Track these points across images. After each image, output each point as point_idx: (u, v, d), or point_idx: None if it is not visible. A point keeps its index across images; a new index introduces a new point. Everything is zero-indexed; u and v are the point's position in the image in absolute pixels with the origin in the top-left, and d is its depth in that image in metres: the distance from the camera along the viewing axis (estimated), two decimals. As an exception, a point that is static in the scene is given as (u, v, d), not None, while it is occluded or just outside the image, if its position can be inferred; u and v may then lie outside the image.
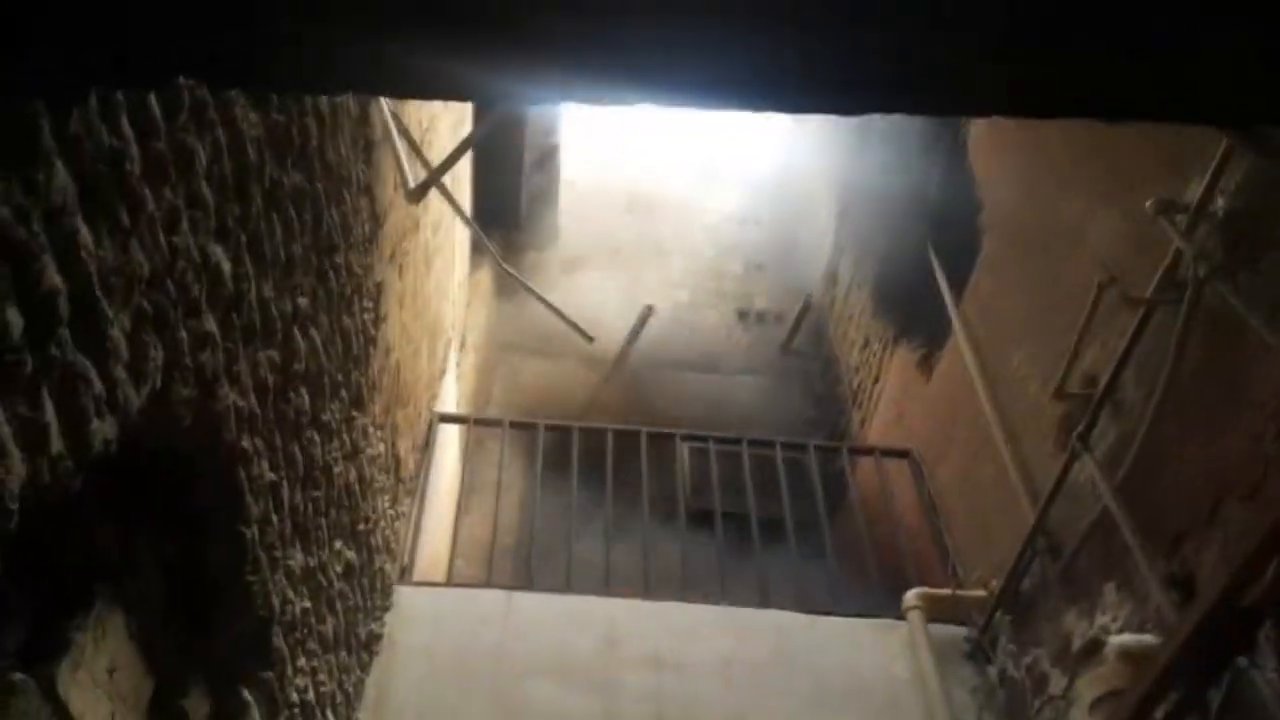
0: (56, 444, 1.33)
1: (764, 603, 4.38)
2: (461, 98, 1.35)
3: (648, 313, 7.68)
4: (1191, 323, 2.92)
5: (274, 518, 2.32)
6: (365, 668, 3.61)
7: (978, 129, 4.78)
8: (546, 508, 4.86)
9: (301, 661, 2.64)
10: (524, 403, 7.21)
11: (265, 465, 2.22)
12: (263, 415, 2.19)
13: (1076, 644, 3.36)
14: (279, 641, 2.39)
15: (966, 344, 4.65)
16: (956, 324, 4.79)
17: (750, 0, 0.93)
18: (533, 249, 8.24)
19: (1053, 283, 3.88)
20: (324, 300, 2.62)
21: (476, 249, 6.56)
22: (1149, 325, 3.15)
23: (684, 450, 5.57)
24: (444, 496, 5.29)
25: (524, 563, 4.70)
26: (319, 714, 2.86)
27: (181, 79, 1.59)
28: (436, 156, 3.89)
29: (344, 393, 2.93)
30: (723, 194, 9.97)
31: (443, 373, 5.45)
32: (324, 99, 2.46)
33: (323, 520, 2.79)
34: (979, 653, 4.12)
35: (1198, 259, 2.86)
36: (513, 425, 5.49)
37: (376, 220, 3.22)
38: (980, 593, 4.16)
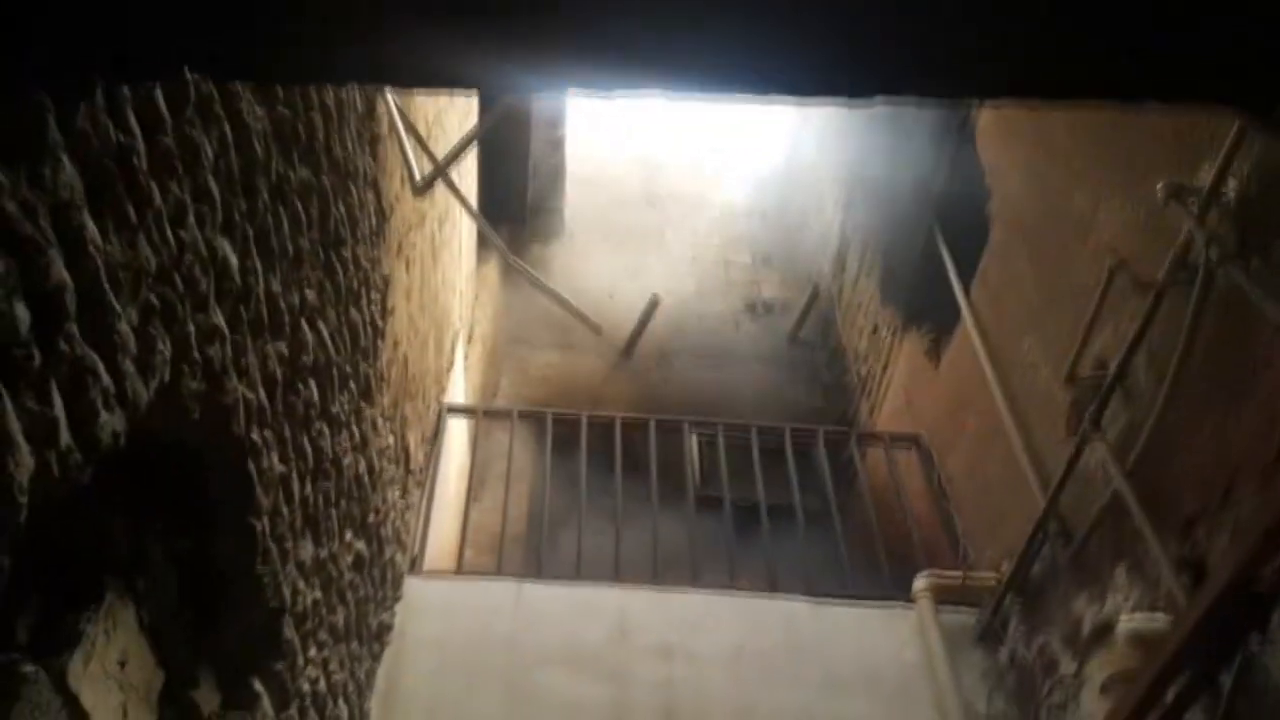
0: (65, 438, 1.33)
1: (774, 590, 4.38)
2: (465, 87, 1.35)
3: (655, 304, 7.67)
4: (1203, 307, 2.90)
5: (284, 509, 2.33)
6: (376, 658, 3.62)
7: (986, 118, 4.76)
8: (556, 498, 4.86)
9: (313, 652, 2.65)
10: (532, 394, 7.22)
11: (275, 457, 2.23)
12: (271, 408, 2.20)
13: (1087, 627, 3.36)
14: (290, 633, 2.41)
15: (975, 330, 4.64)
16: (965, 310, 4.77)
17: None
18: (539, 242, 8.23)
19: (1062, 269, 3.87)
20: (331, 294, 2.63)
21: (483, 242, 6.56)
22: (1160, 309, 3.13)
23: (693, 439, 5.57)
24: (453, 488, 5.30)
25: (534, 553, 4.70)
26: (330, 704, 2.88)
27: (186, 73, 1.59)
28: (443, 151, 3.88)
29: (352, 385, 2.94)
30: (729, 185, 9.95)
31: (451, 365, 5.46)
32: (330, 94, 2.47)
33: (333, 512, 2.81)
34: (989, 637, 4.12)
35: (1210, 243, 2.84)
36: (521, 416, 5.49)
37: (383, 214, 3.22)
38: (990, 577, 4.16)
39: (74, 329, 1.36)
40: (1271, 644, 2.35)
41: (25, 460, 1.24)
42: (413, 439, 4.25)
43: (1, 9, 1.10)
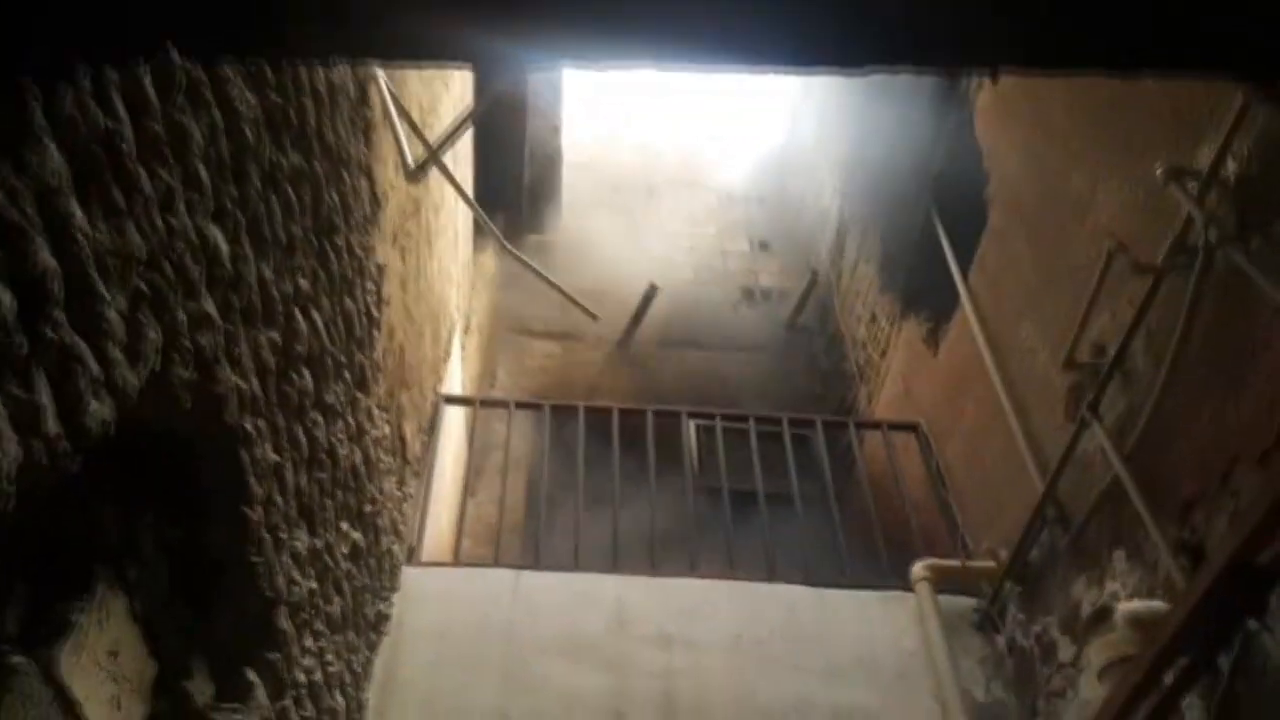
0: (52, 426, 1.32)
1: (772, 578, 4.38)
2: (459, 62, 1.33)
3: (652, 292, 7.65)
4: (1202, 289, 2.89)
5: (278, 499, 2.31)
6: (373, 648, 3.62)
7: (984, 100, 4.73)
8: (553, 487, 4.85)
9: (308, 642, 2.64)
10: (529, 384, 7.21)
11: (268, 447, 2.22)
12: (265, 397, 2.18)
13: (1086, 612, 3.36)
14: (285, 623, 2.39)
15: (974, 316, 4.62)
16: (964, 296, 4.76)
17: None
18: (535, 230, 8.21)
19: (1061, 253, 3.85)
20: (325, 282, 2.61)
21: (480, 231, 6.53)
22: (1159, 293, 3.12)
23: (690, 428, 5.56)
24: (450, 478, 5.29)
25: (531, 542, 4.69)
26: (327, 694, 2.87)
27: (175, 56, 1.57)
28: (438, 139, 3.86)
29: (347, 374, 2.92)
30: (727, 172, 9.93)
31: (447, 355, 5.44)
32: (321, 79, 2.44)
33: (328, 502, 2.79)
34: (988, 623, 4.11)
35: (1209, 225, 2.83)
36: (518, 406, 5.48)
37: (377, 202, 3.20)
38: (989, 563, 4.16)
39: (61, 316, 1.35)
40: (1270, 626, 2.35)
41: (12, 449, 1.23)
42: (409, 429, 4.23)
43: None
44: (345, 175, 2.74)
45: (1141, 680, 2.55)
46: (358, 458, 3.14)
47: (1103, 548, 3.34)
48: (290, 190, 2.24)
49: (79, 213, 1.38)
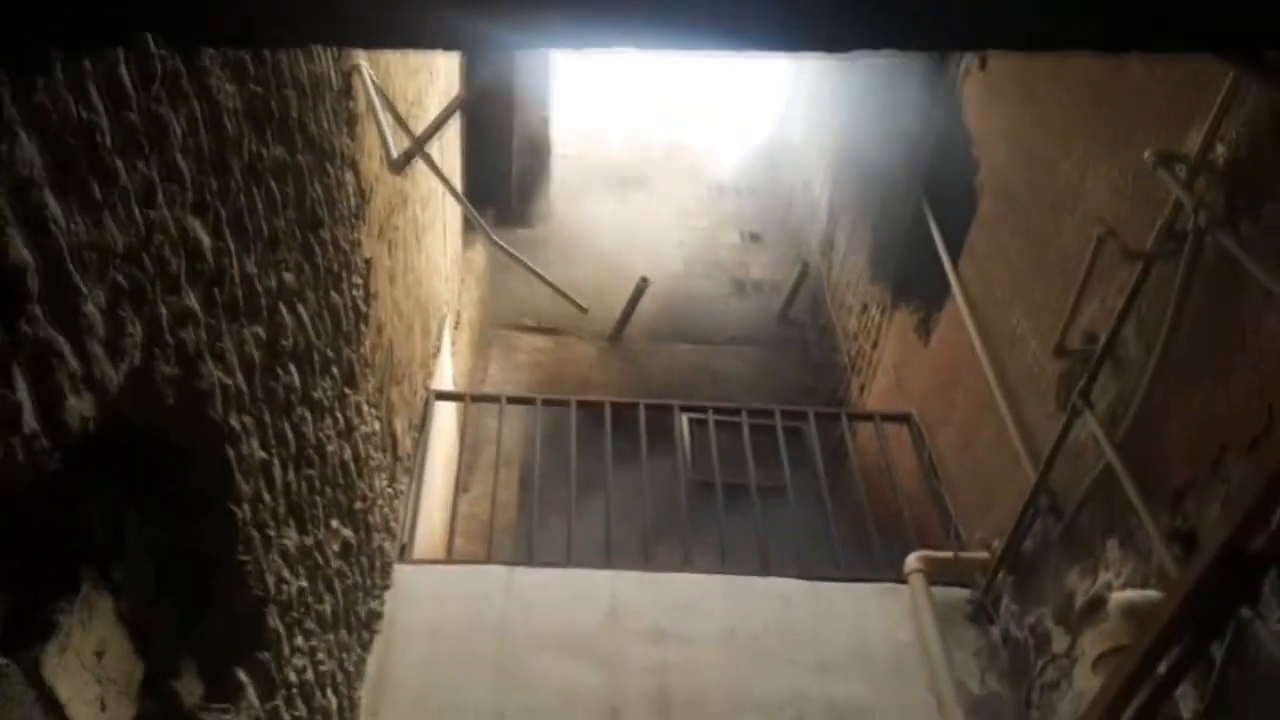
0: (30, 422, 1.30)
1: (766, 571, 4.36)
2: (440, 46, 1.31)
3: (643, 285, 7.62)
4: (1192, 274, 2.88)
5: (266, 496, 2.29)
6: (366, 646, 3.59)
7: (973, 88, 4.72)
8: (546, 482, 4.83)
9: (299, 641, 2.62)
10: (521, 379, 7.19)
11: (255, 443, 2.19)
12: (250, 393, 2.16)
13: (1079, 602, 3.35)
14: (275, 621, 2.37)
15: (965, 305, 4.61)
16: (955, 286, 4.75)
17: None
18: (525, 225, 8.18)
19: (1051, 240, 3.84)
20: (310, 276, 2.59)
21: (469, 226, 6.51)
22: (1149, 279, 3.11)
23: (683, 421, 5.54)
24: (442, 474, 5.26)
25: (524, 538, 4.67)
26: (318, 693, 2.84)
27: (152, 43, 1.55)
28: (423, 131, 3.83)
29: (335, 370, 2.90)
30: (717, 165, 9.92)
31: (437, 350, 5.41)
32: (303, 70, 2.42)
33: (318, 499, 2.77)
34: (981, 614, 4.11)
35: (1198, 209, 2.82)
36: (510, 400, 5.45)
37: (363, 195, 3.17)
38: (982, 554, 4.15)
39: (37, 310, 1.32)
40: (1262, 614, 2.34)
41: (-12, 445, 1.21)
42: (400, 425, 4.21)
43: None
44: (329, 168, 2.71)
45: (1135, 670, 2.54)
46: (347, 454, 3.11)
47: (1096, 537, 3.33)
48: (273, 183, 2.22)
49: (54, 205, 1.35)
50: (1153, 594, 2.87)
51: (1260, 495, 2.18)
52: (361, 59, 3.05)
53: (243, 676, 2.23)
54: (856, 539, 4.68)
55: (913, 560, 4.26)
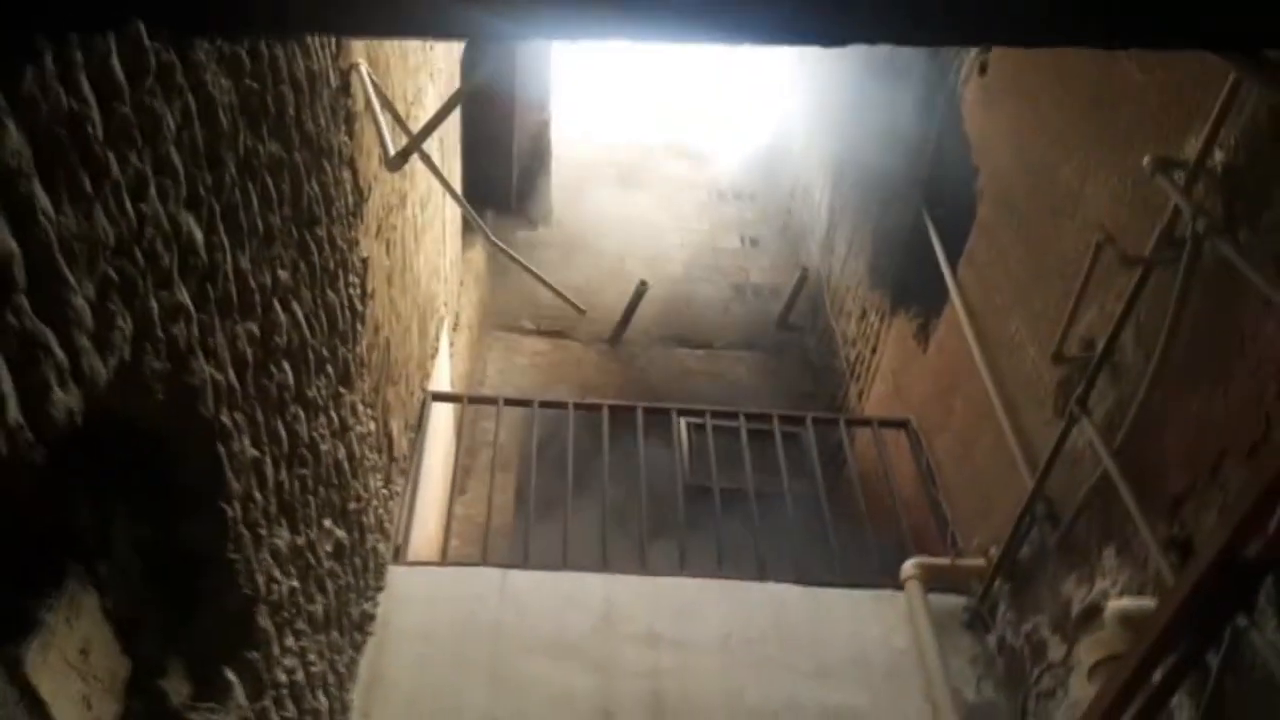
0: (14, 415, 1.28)
1: (762, 576, 4.35)
2: (436, 35, 1.30)
3: (642, 288, 7.61)
4: (1191, 281, 2.87)
5: (257, 495, 2.28)
6: (358, 648, 3.58)
7: (973, 94, 4.71)
8: (542, 485, 4.81)
9: (290, 641, 2.60)
10: (519, 381, 7.17)
11: (246, 441, 2.18)
12: (242, 390, 2.14)
13: (1075, 610, 3.33)
14: (264, 621, 2.35)
15: (963, 311, 4.60)
16: (953, 292, 4.74)
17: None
18: (525, 227, 8.18)
19: (1050, 246, 3.83)
20: (306, 274, 2.57)
21: (468, 228, 6.50)
22: (1147, 286, 3.10)
23: (681, 426, 5.53)
24: (438, 476, 5.25)
25: (520, 541, 4.65)
26: (309, 694, 2.83)
27: (144, 32, 1.53)
28: (421, 128, 3.82)
29: (330, 369, 2.88)
30: (717, 169, 9.92)
31: (435, 351, 5.40)
32: (300, 66, 2.41)
33: (310, 498, 2.75)
34: (978, 621, 4.09)
35: (1197, 216, 2.81)
36: (507, 403, 5.43)
37: (360, 193, 3.16)
38: (979, 561, 4.13)
39: (23, 301, 1.31)
40: (1258, 622, 2.32)
41: (-31, 437, 1.19)
42: (396, 426, 4.19)
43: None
44: (326, 166, 2.70)
45: (1130, 679, 2.52)
46: (341, 454, 3.10)
47: (1092, 544, 3.32)
48: (268, 179, 2.20)
49: (43, 196, 1.34)
50: (1148, 602, 2.86)
51: (1256, 501, 2.16)
52: (360, 57, 3.04)
53: (231, 676, 2.21)
54: (854, 545, 4.66)
55: (909, 567, 4.24)
